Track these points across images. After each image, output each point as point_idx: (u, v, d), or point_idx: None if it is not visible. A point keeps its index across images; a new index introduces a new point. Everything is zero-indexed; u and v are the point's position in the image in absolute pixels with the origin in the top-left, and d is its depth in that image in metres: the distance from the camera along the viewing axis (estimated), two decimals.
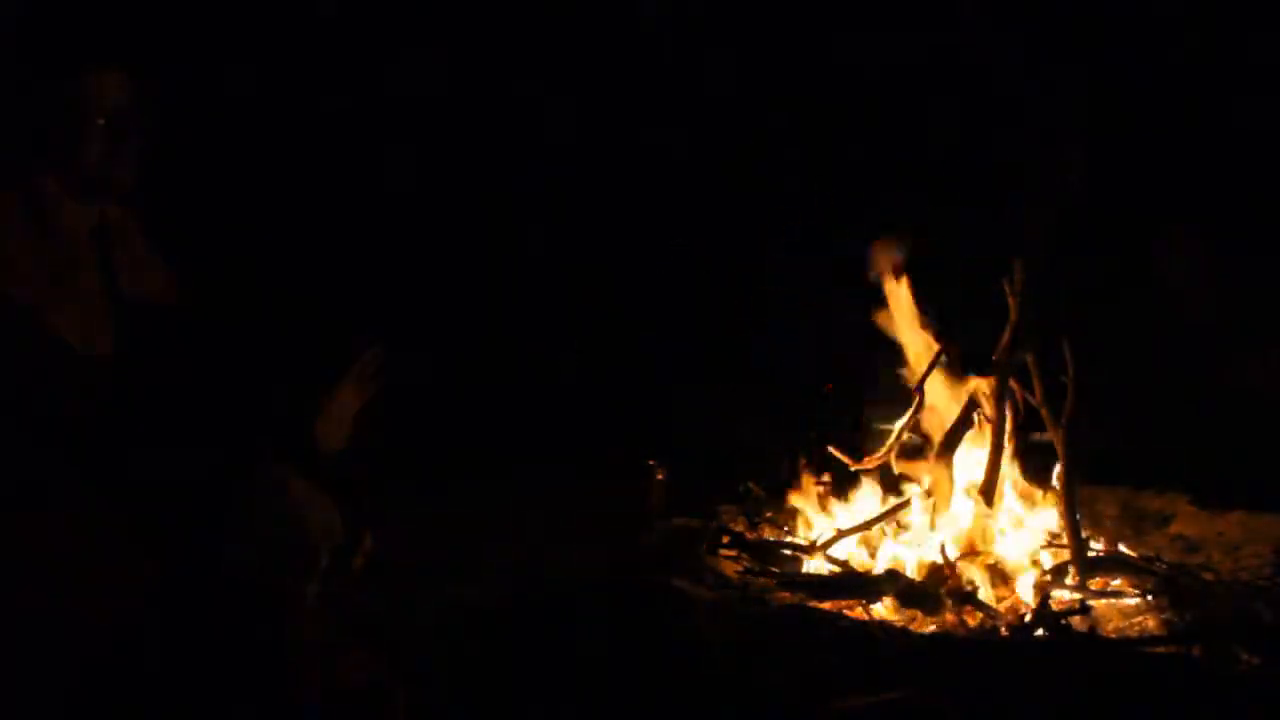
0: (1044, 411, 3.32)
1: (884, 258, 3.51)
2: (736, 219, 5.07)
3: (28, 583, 1.97)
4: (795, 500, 3.61)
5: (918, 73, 4.63)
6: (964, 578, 3.11)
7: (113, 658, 1.98)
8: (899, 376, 3.56)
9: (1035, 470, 3.49)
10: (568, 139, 5.07)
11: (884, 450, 3.52)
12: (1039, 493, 3.48)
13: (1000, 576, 3.16)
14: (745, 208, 5.06)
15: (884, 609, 3.03)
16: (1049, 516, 3.41)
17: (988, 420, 3.41)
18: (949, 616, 2.97)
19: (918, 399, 3.48)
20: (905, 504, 3.43)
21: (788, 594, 3.11)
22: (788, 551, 3.39)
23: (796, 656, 2.69)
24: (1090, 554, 3.22)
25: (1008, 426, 3.39)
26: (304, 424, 2.34)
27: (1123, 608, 3.04)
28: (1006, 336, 3.36)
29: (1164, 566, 3.22)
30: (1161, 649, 2.76)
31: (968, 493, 3.41)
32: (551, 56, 5.00)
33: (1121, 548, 3.37)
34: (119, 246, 2.27)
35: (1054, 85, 4.09)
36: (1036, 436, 3.38)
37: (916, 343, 3.53)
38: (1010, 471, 3.45)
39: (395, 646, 2.39)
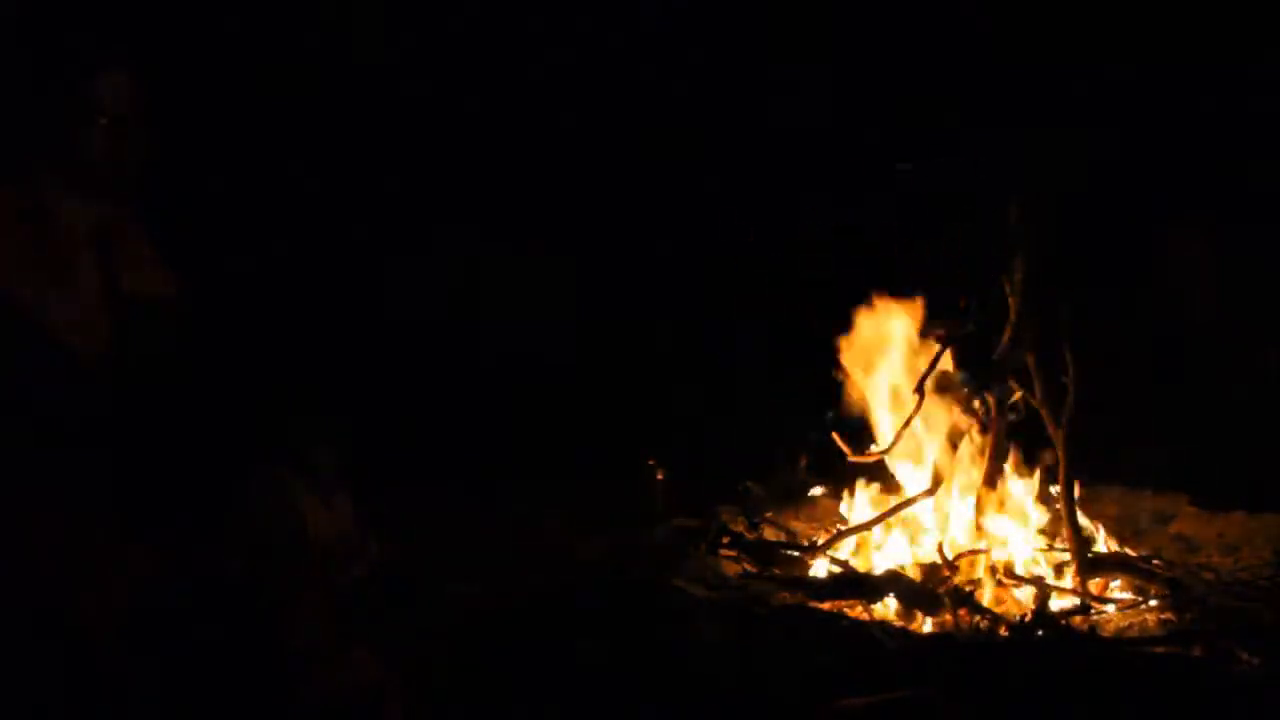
0: (1044, 411, 3.32)
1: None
2: (739, 218, 5.08)
3: (25, 582, 1.97)
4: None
5: (914, 72, 4.63)
6: (964, 578, 3.11)
7: (110, 658, 1.98)
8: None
9: (1035, 470, 3.50)
10: (570, 133, 5.07)
11: (885, 446, 3.52)
12: (1038, 493, 3.48)
13: (1000, 576, 3.16)
14: (747, 207, 5.06)
15: (884, 609, 3.03)
16: (1048, 516, 3.41)
17: (987, 421, 3.40)
18: (949, 616, 2.97)
19: (918, 399, 3.48)
20: (906, 504, 3.43)
21: (788, 594, 3.11)
22: (788, 551, 3.39)
23: (796, 656, 2.69)
24: (1090, 554, 3.22)
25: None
26: (305, 424, 2.34)
27: (1122, 607, 3.04)
28: (1006, 336, 3.36)
29: (1164, 566, 3.22)
30: (1161, 649, 2.76)
31: (968, 493, 3.41)
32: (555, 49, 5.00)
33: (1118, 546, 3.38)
34: (119, 246, 2.27)
35: (1051, 84, 4.09)
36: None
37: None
38: (1010, 471, 3.45)
39: (395, 646, 2.39)
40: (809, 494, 3.96)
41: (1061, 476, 3.30)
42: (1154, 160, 4.37)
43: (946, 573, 3.11)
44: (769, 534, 3.58)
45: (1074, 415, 3.25)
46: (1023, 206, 3.33)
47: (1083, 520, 3.28)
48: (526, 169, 5.04)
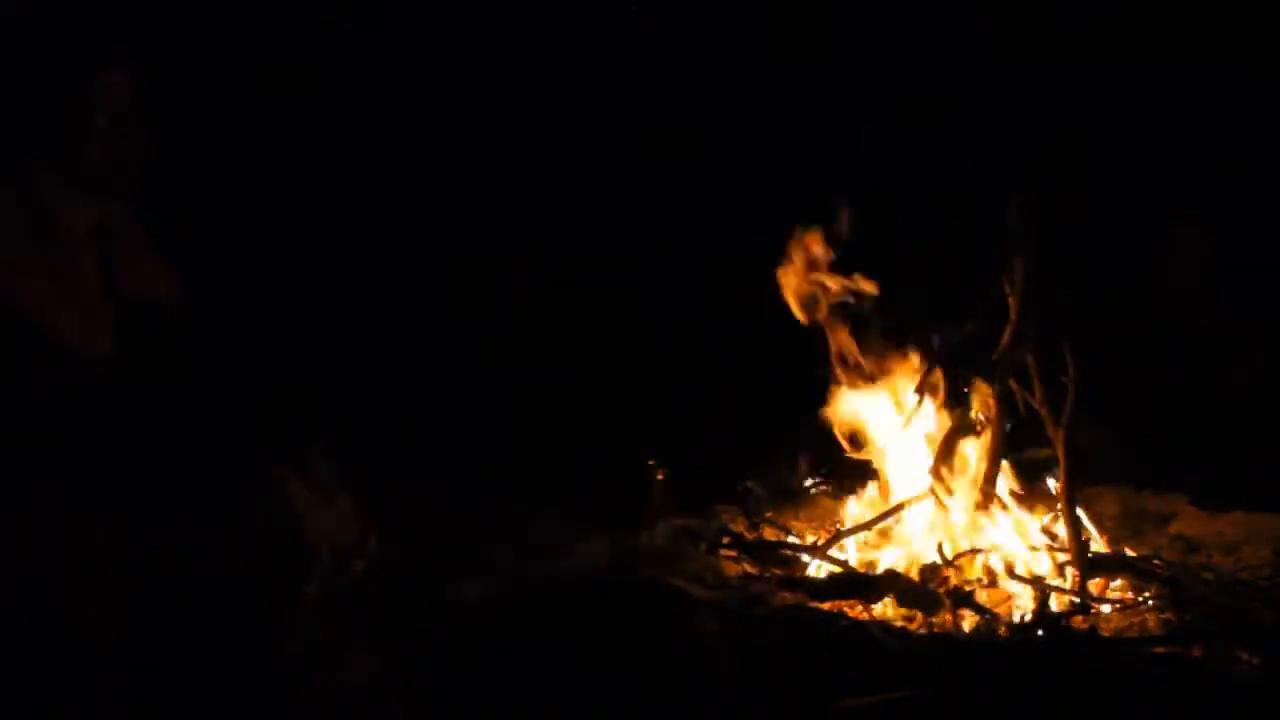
0: (1044, 413, 3.31)
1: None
2: (739, 218, 5.07)
3: (25, 582, 1.97)
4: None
5: (914, 72, 4.63)
6: (963, 578, 3.11)
7: (110, 658, 1.98)
8: None
9: (1035, 471, 3.49)
10: (569, 133, 5.07)
11: (884, 444, 3.52)
12: (1038, 493, 3.48)
13: (1000, 577, 3.16)
14: (747, 207, 5.06)
15: (884, 609, 3.03)
16: (1048, 517, 3.41)
17: (986, 421, 3.40)
18: (949, 616, 2.97)
19: (917, 400, 3.48)
20: (905, 504, 3.43)
21: (788, 594, 3.11)
22: (787, 551, 3.39)
23: (796, 656, 2.69)
24: (1090, 554, 3.22)
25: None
26: (305, 424, 2.34)
27: (1122, 607, 3.04)
28: (1006, 336, 3.36)
29: (1163, 566, 3.22)
30: (1161, 649, 2.76)
31: (966, 493, 3.40)
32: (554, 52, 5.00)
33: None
34: (119, 246, 2.27)
35: (1051, 84, 4.09)
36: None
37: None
38: (1009, 472, 3.45)
39: (395, 646, 2.39)
40: (809, 494, 3.96)
41: (1061, 476, 3.30)
42: (1154, 160, 4.37)
43: (946, 573, 3.11)
44: (769, 534, 3.58)
45: (1074, 415, 3.25)
46: (1023, 206, 3.33)
47: (1083, 520, 3.27)
48: (526, 169, 5.04)
